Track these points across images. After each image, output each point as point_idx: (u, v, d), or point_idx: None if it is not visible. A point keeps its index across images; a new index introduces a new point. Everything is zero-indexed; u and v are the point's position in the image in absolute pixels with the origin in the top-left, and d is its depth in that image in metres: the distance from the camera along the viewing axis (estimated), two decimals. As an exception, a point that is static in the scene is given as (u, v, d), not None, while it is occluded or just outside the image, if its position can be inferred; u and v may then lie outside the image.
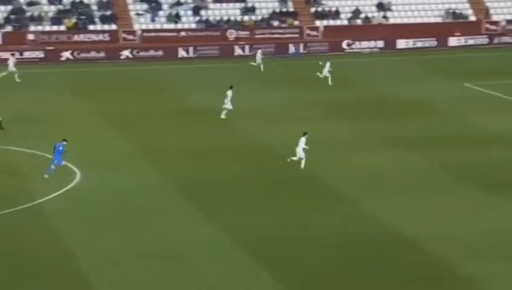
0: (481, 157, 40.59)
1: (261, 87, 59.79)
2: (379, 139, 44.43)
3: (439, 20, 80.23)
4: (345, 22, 79.60)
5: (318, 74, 59.84)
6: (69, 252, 29.16)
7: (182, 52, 73.25)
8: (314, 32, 77.57)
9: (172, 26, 76.79)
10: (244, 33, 76.45)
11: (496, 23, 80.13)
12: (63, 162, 37.43)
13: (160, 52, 73.00)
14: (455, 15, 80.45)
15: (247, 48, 74.34)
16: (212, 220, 32.20)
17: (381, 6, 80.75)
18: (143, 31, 75.53)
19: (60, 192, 35.58)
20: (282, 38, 76.27)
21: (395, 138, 44.40)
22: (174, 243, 30.02)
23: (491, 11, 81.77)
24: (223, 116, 48.70)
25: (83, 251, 29.26)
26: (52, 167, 37.03)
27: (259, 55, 67.02)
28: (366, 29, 78.36)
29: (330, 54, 73.84)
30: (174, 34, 75.58)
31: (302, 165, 38.58)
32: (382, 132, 45.71)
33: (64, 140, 37.56)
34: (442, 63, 69.52)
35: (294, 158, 38.65)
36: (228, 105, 48.62)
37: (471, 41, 77.26)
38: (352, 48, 75.72)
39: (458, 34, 77.75)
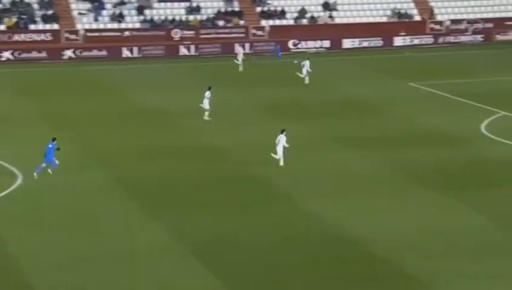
0: (428, 157, 40.94)
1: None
2: (328, 139, 44.58)
3: (384, 19, 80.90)
4: (291, 22, 79.84)
5: (298, 73, 60.10)
6: (10, 256, 28.67)
7: (126, 52, 72.73)
8: (260, 32, 77.65)
9: (116, 25, 76.22)
10: (189, 33, 76.20)
11: (440, 23, 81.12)
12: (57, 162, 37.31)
13: (103, 52, 72.39)
14: (400, 15, 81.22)
15: (192, 47, 74.11)
16: (157, 222, 31.95)
17: (327, 6, 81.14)
18: (86, 30, 74.83)
19: (0, 195, 34.99)
20: (228, 38, 76.20)
21: (344, 138, 44.57)
22: (119, 245, 29.71)
23: (436, 11, 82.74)
24: (205, 117, 48.39)
25: (25, 254, 28.79)
26: (43, 165, 36.88)
27: (240, 54, 66.66)
28: (312, 29, 78.69)
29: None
30: (117, 33, 75.04)
31: (281, 163, 38.72)
32: (331, 132, 45.86)
33: (54, 139, 37.48)
34: (388, 63, 70.09)
35: (275, 156, 38.77)
36: (205, 106, 48.32)
37: (416, 41, 78.09)
38: (298, 48, 75.94)
39: (403, 33, 78.51)
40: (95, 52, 72.24)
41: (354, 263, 28.38)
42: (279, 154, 38.75)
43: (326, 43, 76.53)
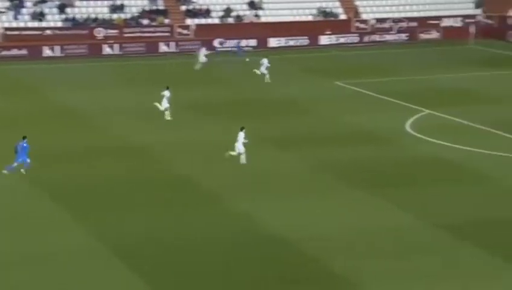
0: (354, 156, 41.17)
1: (130, 86, 59.05)
2: (255, 139, 44.46)
3: (310, 18, 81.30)
4: (217, 21, 79.62)
5: (255, 70, 60.08)
6: None
7: (47, 51, 71.58)
8: (186, 31, 77.26)
9: (36, 24, 74.96)
10: (113, 32, 75.39)
11: (365, 21, 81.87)
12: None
13: (24, 51, 71.14)
14: (326, 14, 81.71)
15: (116, 46, 73.32)
16: (81, 223, 31.43)
17: (252, 5, 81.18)
18: (5, 29, 73.45)
19: None
20: (153, 37, 75.63)
21: (270, 137, 44.54)
22: (42, 249, 29.11)
23: (361, 10, 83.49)
24: (167, 117, 47.96)
25: None
26: (15, 164, 36.47)
27: (202, 52, 66.28)
28: (238, 27, 78.64)
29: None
30: (38, 32, 73.85)
31: (243, 161, 38.88)
32: (257, 132, 45.72)
33: (24, 137, 37.04)
34: (314, 62, 70.42)
35: (233, 153, 38.88)
36: (164, 105, 48.01)
37: (341, 40, 78.66)
38: (224, 47, 75.77)
39: (329, 32, 79.02)
40: (14, 52, 70.94)
41: (284, 263, 28.32)
42: (241, 151, 38.96)
43: (253, 42, 76.51)
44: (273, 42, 76.79)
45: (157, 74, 64.57)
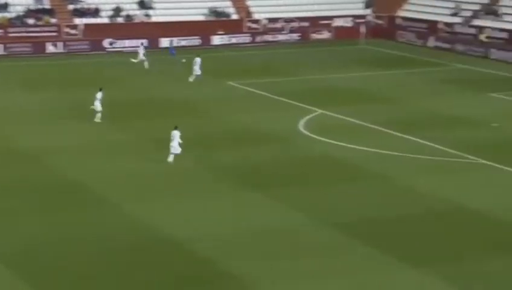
0: (248, 156, 41.31)
1: (19, 88, 57.85)
2: (144, 140, 44.18)
3: (201, 18, 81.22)
4: (106, 20, 78.69)
5: (194, 74, 59.88)
6: None
7: None
8: (74, 31, 76.06)
9: None
10: (-3, 31, 73.68)
11: (257, 21, 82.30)
12: None
13: None
14: (218, 13, 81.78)
15: (0, 47, 71.64)
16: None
17: (142, 4, 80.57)
18: None
19: None
20: (39, 37, 74.17)
21: (162, 139, 44.20)
22: None
23: (253, 10, 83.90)
24: (97, 120, 47.06)
25: None
26: None
27: (141, 51, 65.17)
28: (128, 27, 77.89)
29: (91, 53, 72.91)
30: None
31: (171, 159, 39.01)
32: (147, 133, 45.46)
33: None
34: (207, 62, 70.20)
35: (175, 152, 39.09)
36: (97, 107, 47.19)
37: (234, 40, 78.88)
38: (114, 47, 74.96)
39: (221, 32, 79.12)
40: None
41: (178, 264, 28.21)
42: (176, 150, 39.11)
43: (144, 42, 75.84)
44: (164, 42, 76.37)
45: (43, 75, 63.33)
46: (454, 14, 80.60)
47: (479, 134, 46.23)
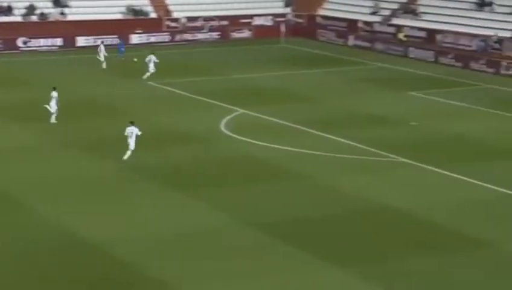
0: (167, 157, 41.14)
1: None
2: (56, 142, 43.60)
3: (119, 16, 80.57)
4: (19, 19, 77.39)
5: (145, 75, 59.72)
6: None
7: None
8: (-15, 29, 74.70)
9: None
10: None
11: (176, 20, 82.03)
12: None
13: None
14: (136, 12, 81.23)
15: None
16: None
17: (57, 3, 79.53)
18: None
19: None
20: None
21: (76, 140, 43.78)
22: None
23: (172, 9, 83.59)
24: (52, 120, 46.46)
25: None
26: None
27: (102, 49, 64.69)
28: (42, 26, 76.78)
29: (5, 53, 71.67)
30: None
31: (126, 157, 38.78)
32: (60, 135, 44.88)
33: None
34: (124, 61, 69.75)
35: (130, 150, 38.99)
36: (53, 108, 46.66)
37: (153, 39, 78.48)
38: (28, 46, 73.84)
39: (140, 31, 78.64)
40: None
41: (96, 268, 27.94)
42: (131, 147, 39.05)
43: (59, 41, 74.99)
44: (81, 41, 75.54)
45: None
46: (374, 13, 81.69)
47: (399, 133, 46.94)
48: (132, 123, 39.76)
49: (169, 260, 28.76)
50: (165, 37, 79.48)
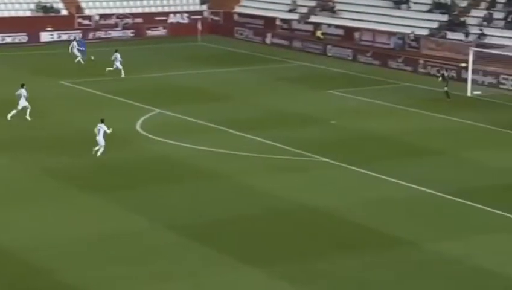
0: (80, 159, 40.70)
1: None
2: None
3: (29, 14, 79.42)
4: None
5: (109, 68, 59.46)
6: None
7: None
8: None
9: None
10: None
11: (89, 17, 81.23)
12: None
13: None
14: (46, 9, 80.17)
15: None
16: None
17: (-37, -1, 78.05)
18: None
19: None
20: None
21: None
22: None
23: (84, 6, 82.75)
24: (27, 117, 46.55)
25: None
26: None
27: (74, 46, 64.66)
28: None
29: None
30: None
31: (99, 153, 39.47)
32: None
33: None
34: (36, 59, 68.86)
35: (97, 148, 39.64)
36: (21, 105, 46.80)
37: (64, 36, 77.48)
38: None
39: (50, 28, 77.64)
40: None
41: (9, 276, 27.60)
42: (101, 143, 39.79)
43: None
44: (-13, 39, 74.35)
45: None
46: (291, 11, 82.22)
47: (319, 132, 47.34)
48: (102, 121, 40.45)
49: (86, 266, 28.51)
50: (77, 34, 78.50)
